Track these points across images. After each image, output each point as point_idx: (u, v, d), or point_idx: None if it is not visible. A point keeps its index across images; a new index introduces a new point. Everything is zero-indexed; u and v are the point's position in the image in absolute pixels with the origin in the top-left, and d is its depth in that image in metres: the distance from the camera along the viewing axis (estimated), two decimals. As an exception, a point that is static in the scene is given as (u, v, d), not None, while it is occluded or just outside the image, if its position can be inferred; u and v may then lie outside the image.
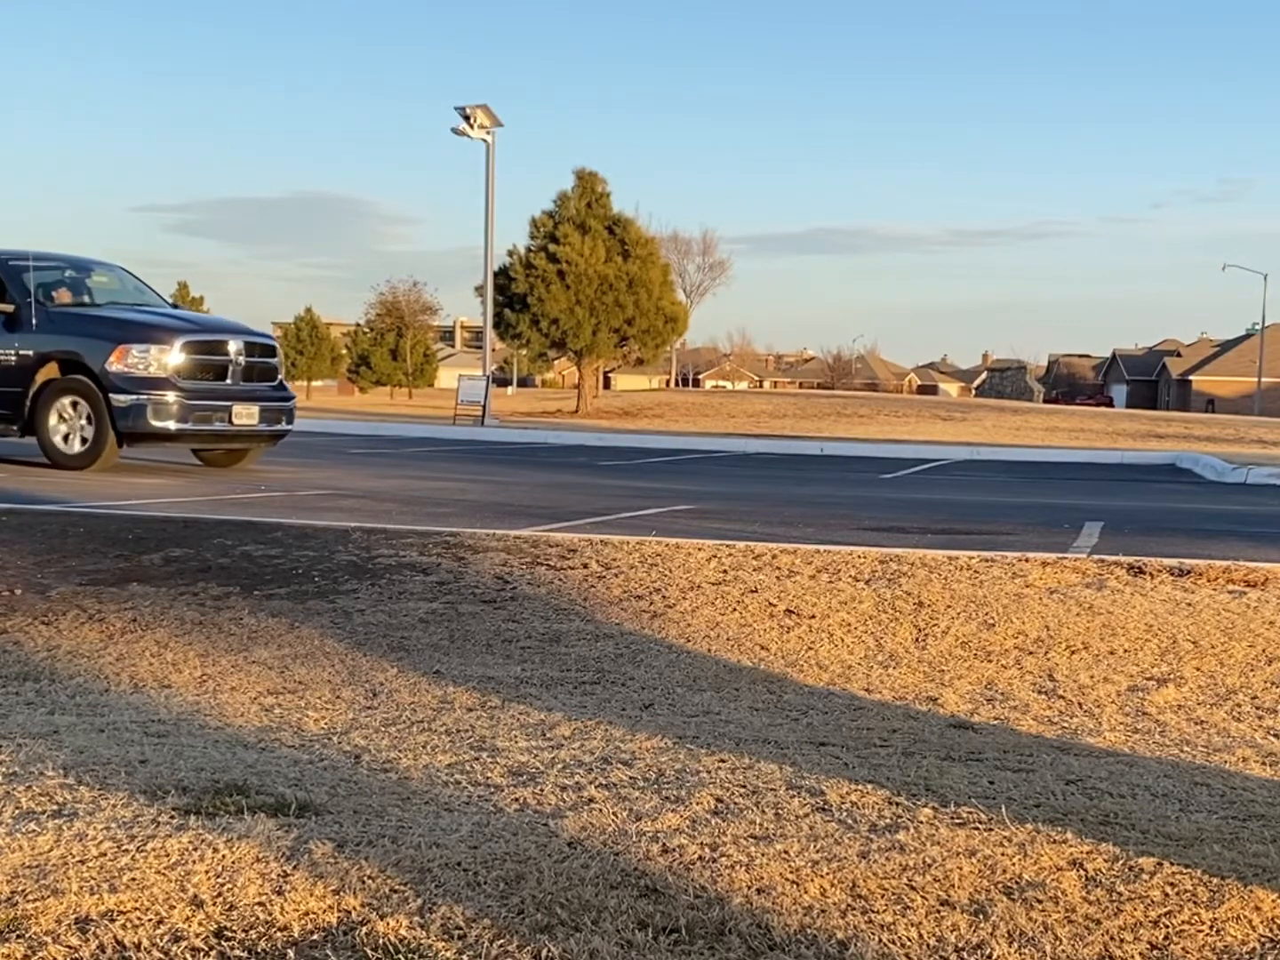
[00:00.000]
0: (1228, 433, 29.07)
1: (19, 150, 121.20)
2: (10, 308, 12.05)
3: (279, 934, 2.50)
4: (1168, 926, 2.66)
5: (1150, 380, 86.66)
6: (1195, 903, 2.78)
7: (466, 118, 28.51)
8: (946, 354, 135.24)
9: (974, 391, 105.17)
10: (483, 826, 3.13)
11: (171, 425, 11.70)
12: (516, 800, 3.38)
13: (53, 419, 11.82)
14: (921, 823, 3.26)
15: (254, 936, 2.49)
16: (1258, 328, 67.91)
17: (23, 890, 2.68)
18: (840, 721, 4.34)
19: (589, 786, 3.52)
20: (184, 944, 2.46)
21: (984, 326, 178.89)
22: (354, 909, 2.61)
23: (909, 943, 2.55)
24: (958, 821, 3.28)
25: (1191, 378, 79.09)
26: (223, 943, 2.47)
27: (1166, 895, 2.82)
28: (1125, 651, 5.34)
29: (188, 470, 12.26)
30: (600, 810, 3.30)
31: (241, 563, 6.66)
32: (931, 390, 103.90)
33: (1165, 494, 13.99)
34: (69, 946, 2.43)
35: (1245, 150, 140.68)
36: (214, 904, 2.62)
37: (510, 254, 36.93)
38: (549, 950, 2.45)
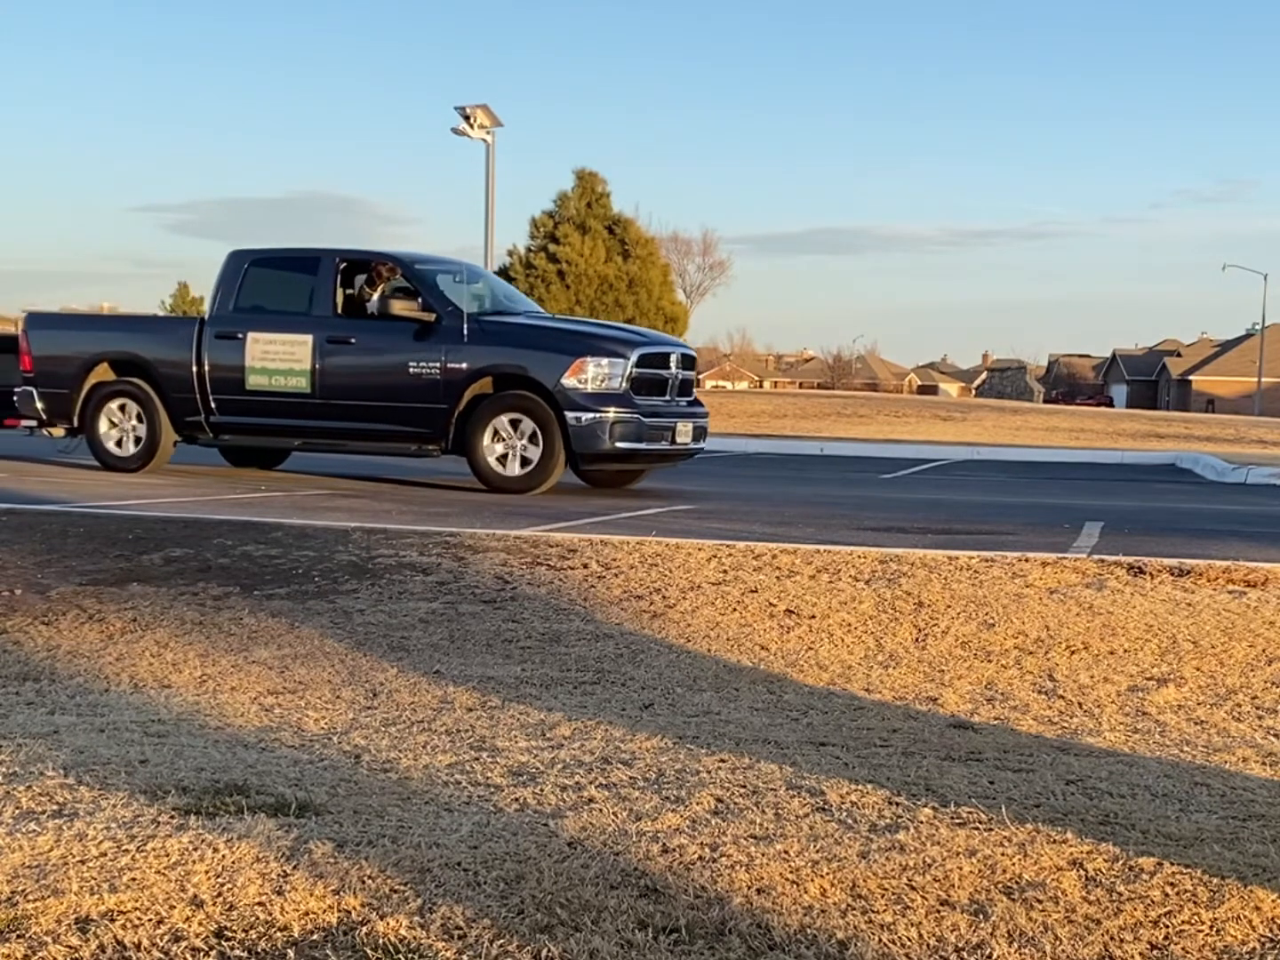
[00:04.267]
0: (1228, 433, 29.07)
1: (18, 149, 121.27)
2: (430, 317, 10.83)
3: (279, 934, 2.51)
4: (1168, 926, 2.66)
5: (1150, 380, 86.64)
6: (1195, 903, 2.78)
7: (466, 118, 28.51)
8: (946, 354, 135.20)
9: (974, 391, 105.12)
10: (483, 826, 3.13)
11: (629, 445, 10.67)
12: (516, 800, 3.39)
13: (487, 438, 10.65)
14: (921, 823, 3.27)
15: (254, 936, 2.49)
16: (1258, 328, 67.86)
17: (23, 890, 2.68)
18: (840, 721, 4.34)
19: (589, 786, 3.52)
20: (184, 944, 2.46)
21: (984, 326, 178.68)
22: (354, 909, 2.61)
23: (909, 943, 2.55)
24: (958, 821, 3.28)
25: (1191, 378, 79.06)
26: (223, 943, 2.47)
27: (1166, 895, 2.82)
28: (1125, 651, 5.35)
29: (186, 470, 12.26)
30: (600, 810, 3.30)
31: (241, 563, 6.66)
32: (931, 390, 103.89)
33: (1165, 494, 13.99)
34: (69, 946, 2.43)
35: (1245, 150, 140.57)
36: (214, 904, 2.63)
37: (510, 254, 36.94)
38: (549, 950, 2.45)
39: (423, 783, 3.54)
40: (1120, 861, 3.01)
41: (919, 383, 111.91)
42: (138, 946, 2.45)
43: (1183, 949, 2.57)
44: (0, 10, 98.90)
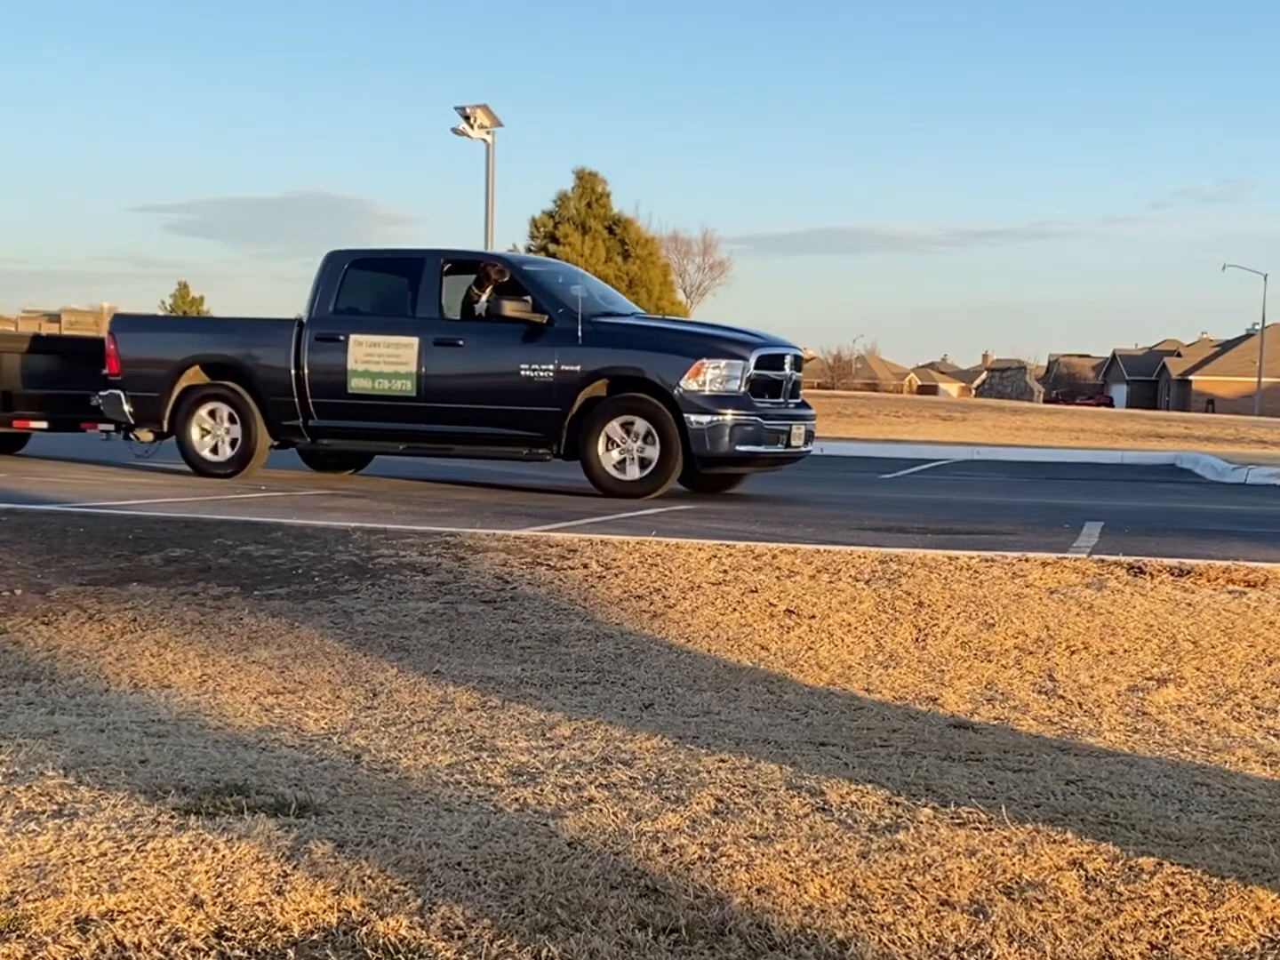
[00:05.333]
0: (1228, 433, 29.07)
1: (18, 149, 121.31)
2: (542, 319, 10.62)
3: (279, 934, 2.51)
4: (1168, 926, 2.66)
5: (1150, 380, 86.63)
6: (1195, 903, 2.78)
7: (466, 118, 28.50)
8: (946, 354, 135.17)
9: (974, 391, 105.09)
10: (483, 826, 3.13)
11: (748, 448, 10.47)
12: (516, 800, 3.39)
13: (602, 442, 10.43)
14: (921, 823, 3.27)
15: (254, 936, 2.49)
16: (1258, 328, 67.89)
17: (23, 890, 2.68)
18: (840, 721, 4.34)
19: (589, 786, 3.52)
20: (184, 944, 2.46)
21: (984, 326, 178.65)
22: (354, 909, 2.62)
23: (909, 943, 2.55)
24: (958, 821, 3.28)
25: (1191, 378, 79.06)
26: (223, 943, 2.47)
27: (1166, 895, 2.82)
28: (1125, 651, 5.35)
29: (184, 470, 12.26)
30: (600, 810, 3.30)
31: (241, 563, 6.66)
32: (931, 390, 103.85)
33: (1165, 494, 13.99)
34: (69, 946, 2.44)
35: (1245, 150, 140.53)
36: (214, 904, 2.63)
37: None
38: (549, 950, 2.45)
39: (423, 783, 3.54)
40: (1120, 861, 3.01)
41: (919, 383, 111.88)
42: (138, 946, 2.45)
43: (1183, 949, 2.57)
44: (0, 10, 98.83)
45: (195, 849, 2.92)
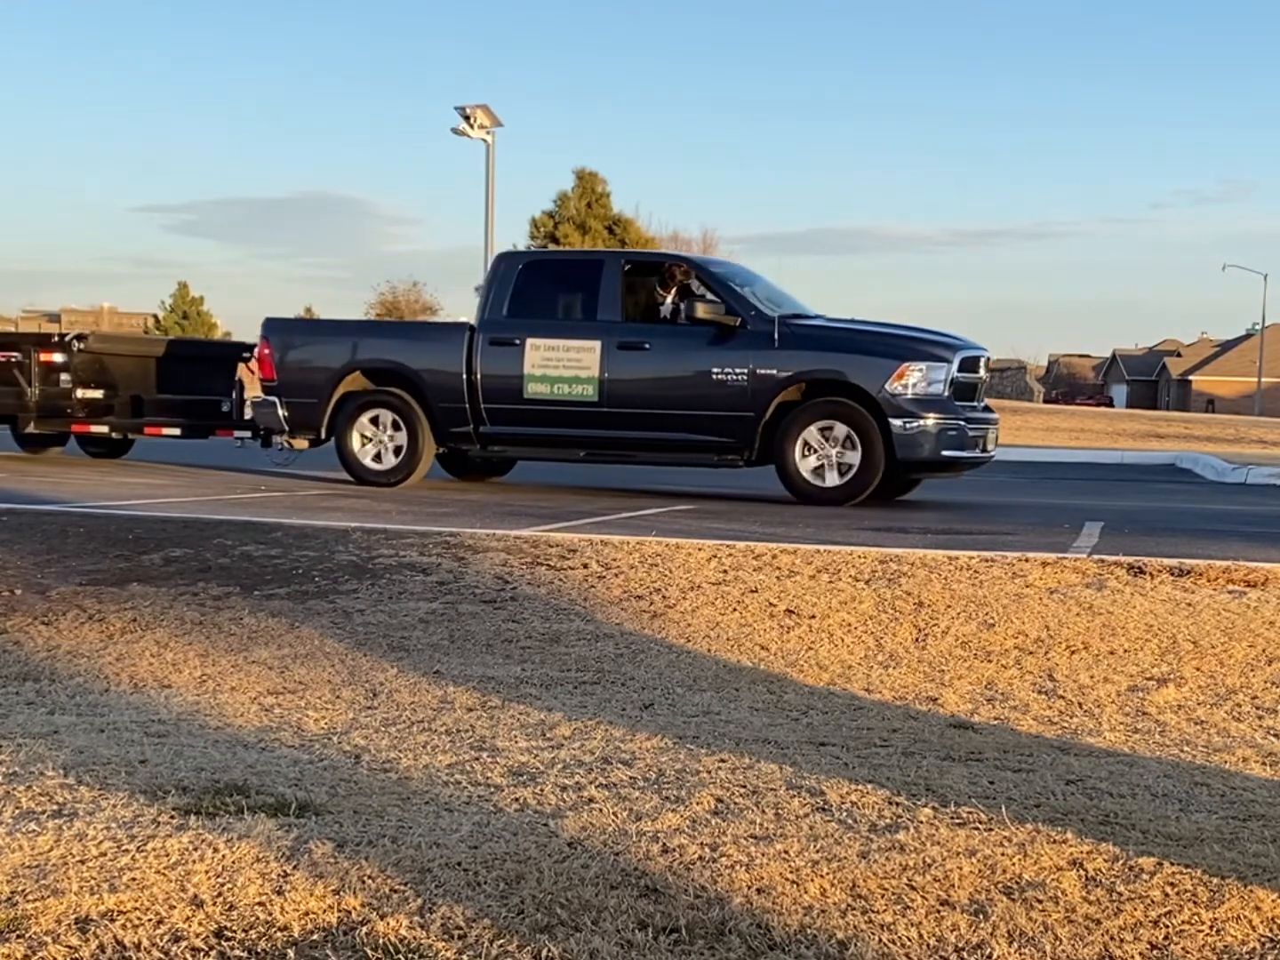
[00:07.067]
0: (1228, 433, 29.05)
1: (18, 149, 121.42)
2: (734, 321, 10.34)
3: (279, 934, 2.51)
4: (1168, 926, 2.66)
5: (1150, 380, 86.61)
6: (1195, 903, 2.78)
7: (466, 118, 28.49)
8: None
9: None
10: (483, 826, 3.13)
11: (953, 453, 10.23)
12: (516, 800, 3.39)
13: (799, 448, 10.14)
14: (921, 823, 3.27)
15: (254, 936, 2.49)
16: (1258, 328, 67.88)
17: (23, 890, 2.68)
18: (840, 721, 4.34)
19: (589, 786, 3.52)
20: (184, 944, 2.46)
21: (984, 326, 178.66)
22: (354, 909, 2.62)
23: (909, 943, 2.55)
24: (958, 821, 3.28)
25: (1191, 378, 79.06)
26: (223, 943, 2.47)
27: (1166, 895, 2.82)
28: (1125, 651, 5.35)
29: (187, 470, 12.27)
30: (600, 810, 3.30)
31: (241, 563, 6.66)
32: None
33: (1165, 494, 13.99)
34: (69, 946, 2.44)
35: (1245, 150, 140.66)
36: (214, 904, 2.63)
37: (510, 254, 36.89)
38: (549, 950, 2.45)
39: (423, 783, 3.54)
40: (1120, 861, 3.01)
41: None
42: (138, 946, 2.45)
43: (1183, 949, 2.57)
44: (1, 11, 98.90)
45: (195, 849, 2.92)
